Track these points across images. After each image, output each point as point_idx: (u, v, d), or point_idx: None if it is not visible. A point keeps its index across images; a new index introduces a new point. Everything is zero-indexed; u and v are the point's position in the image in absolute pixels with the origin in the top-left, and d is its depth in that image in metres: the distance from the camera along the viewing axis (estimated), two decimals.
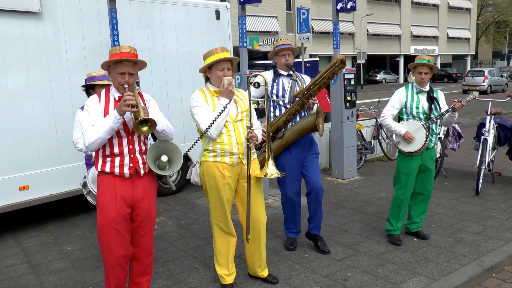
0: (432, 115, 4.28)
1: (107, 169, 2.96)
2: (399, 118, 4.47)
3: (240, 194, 3.48)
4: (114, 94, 3.01)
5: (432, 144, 4.35)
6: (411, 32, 44.82)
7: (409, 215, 4.61)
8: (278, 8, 34.10)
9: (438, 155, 6.73)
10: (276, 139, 4.19)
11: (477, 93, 4.47)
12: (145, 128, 2.83)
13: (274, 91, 4.27)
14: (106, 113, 2.92)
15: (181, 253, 4.42)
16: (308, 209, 4.44)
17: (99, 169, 3.00)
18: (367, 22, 40.01)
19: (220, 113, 3.25)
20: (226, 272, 3.57)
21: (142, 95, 3.13)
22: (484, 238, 4.56)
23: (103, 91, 3.04)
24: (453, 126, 7.21)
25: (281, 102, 4.26)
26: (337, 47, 7.18)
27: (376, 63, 44.55)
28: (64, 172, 5.26)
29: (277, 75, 4.31)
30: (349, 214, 5.44)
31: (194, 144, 3.52)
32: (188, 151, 3.62)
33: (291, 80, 4.27)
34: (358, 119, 8.51)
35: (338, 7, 6.94)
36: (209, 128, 3.25)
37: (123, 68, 2.89)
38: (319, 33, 35.87)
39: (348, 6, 6.80)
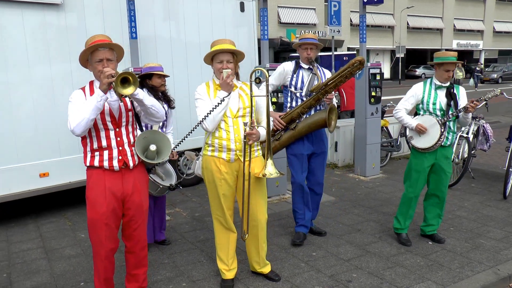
0: (449, 112, 4.10)
1: (96, 163, 2.93)
2: (415, 114, 4.33)
3: (240, 191, 3.43)
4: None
5: (448, 143, 4.17)
6: (454, 26, 43.14)
7: (425, 217, 4.45)
8: (316, 0, 33.64)
9: (465, 155, 6.46)
10: (288, 130, 4.27)
11: (499, 90, 4.25)
12: (128, 89, 2.72)
13: (293, 83, 4.34)
14: None
15: (189, 245, 4.44)
16: None
17: (88, 164, 2.97)
18: (408, 15, 38.84)
19: (216, 106, 3.20)
20: (226, 267, 3.55)
21: None
22: (505, 245, 4.33)
23: (87, 86, 2.98)
24: (483, 126, 6.90)
25: (298, 94, 4.32)
26: (363, 40, 6.98)
27: (416, 57, 43.27)
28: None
29: (298, 67, 4.36)
30: (366, 213, 5.30)
31: (185, 138, 3.54)
32: (178, 145, 3.67)
33: (311, 74, 4.32)
34: (385, 116, 8.30)
35: None
36: (203, 120, 3.22)
37: (99, 55, 2.84)
38: (357, 26, 35.12)
39: None
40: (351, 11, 34.50)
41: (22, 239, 4.78)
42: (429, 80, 4.24)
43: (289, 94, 4.39)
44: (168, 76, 4.51)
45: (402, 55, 33.67)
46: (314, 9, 34.05)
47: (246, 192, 3.36)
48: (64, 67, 5.21)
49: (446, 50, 41.00)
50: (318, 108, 4.33)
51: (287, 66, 4.40)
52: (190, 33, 6.31)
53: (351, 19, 35.07)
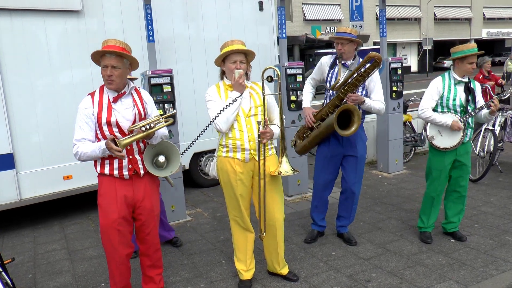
0: (469, 108, 3.99)
1: (107, 171, 2.96)
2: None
3: (256, 190, 3.42)
4: (109, 93, 2.97)
5: (467, 139, 4.06)
6: (484, 15, 41.89)
7: (446, 214, 4.34)
8: None
9: (491, 148, 6.27)
10: (315, 129, 4.15)
11: None
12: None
13: (328, 79, 4.21)
14: (99, 117, 2.91)
15: (209, 246, 4.47)
16: (338, 207, 4.44)
17: (98, 171, 3.00)
18: (435, 6, 37.97)
19: (228, 105, 3.20)
20: (244, 267, 3.56)
21: (140, 94, 3.09)
22: None
23: (97, 91, 2.99)
24: (511, 117, 6.68)
25: (330, 92, 4.17)
26: (383, 35, 6.85)
27: (444, 49, 42.25)
28: None
29: (335, 62, 4.21)
30: (387, 211, 5.22)
31: (197, 139, 3.55)
32: (184, 152, 3.68)
33: (347, 70, 4.10)
34: (408, 110, 8.14)
35: None
36: (215, 121, 3.21)
37: (105, 61, 2.86)
38: None
39: None
40: (376, 5, 33.97)
41: (48, 240, 4.92)
42: (446, 74, 4.11)
43: (326, 91, 4.27)
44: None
45: (430, 47, 32.99)
46: (339, 4, 33.71)
47: (262, 191, 3.35)
48: (85, 72, 5.33)
49: (469, 41, 39.85)
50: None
51: (325, 60, 4.25)
52: (209, 33, 6.33)
53: (376, 14, 34.52)
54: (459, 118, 3.97)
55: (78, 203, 6.16)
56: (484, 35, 42.27)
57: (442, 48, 41.52)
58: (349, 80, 3.92)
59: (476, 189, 5.84)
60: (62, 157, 5.22)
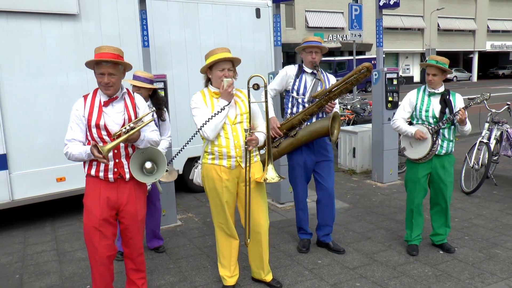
0: (444, 119, 4.00)
1: (93, 172, 3.00)
2: (410, 123, 4.22)
3: (241, 197, 3.43)
4: (101, 97, 3.00)
5: (443, 151, 4.03)
6: (488, 27, 41.91)
7: (432, 226, 4.34)
8: (344, 4, 33.36)
9: (486, 161, 6.26)
10: (288, 137, 4.16)
11: (488, 94, 4.10)
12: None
13: (296, 87, 4.20)
14: (89, 119, 2.95)
15: (196, 251, 4.47)
16: (317, 216, 4.42)
17: (86, 172, 3.05)
18: (438, 17, 38.03)
19: (217, 113, 3.21)
20: (228, 274, 3.56)
21: (133, 99, 3.10)
22: None
23: (91, 94, 3.03)
24: (507, 131, 6.67)
25: (300, 100, 4.18)
26: (379, 45, 6.89)
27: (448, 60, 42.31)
28: None
29: (301, 71, 4.22)
30: (378, 221, 5.21)
31: (184, 146, 3.55)
32: (177, 155, 3.68)
33: (314, 79, 4.17)
34: None
35: (381, 3, 6.66)
36: (202, 127, 3.22)
37: (102, 69, 2.89)
38: (385, 29, 34.62)
39: (391, 2, 6.49)
40: None
41: (38, 241, 4.93)
42: (422, 86, 4.16)
43: (290, 100, 4.24)
44: (152, 88, 4.23)
45: None
46: (342, 12, 33.78)
47: (248, 197, 3.35)
48: (80, 75, 5.37)
49: (473, 53, 39.79)
50: (320, 115, 4.17)
51: (290, 70, 4.25)
52: (205, 39, 6.37)
53: None
54: (430, 128, 3.97)
55: (71, 205, 6.17)
56: (488, 47, 42.26)
57: None
58: (336, 88, 3.97)
59: (470, 201, 5.83)
60: (56, 159, 5.23)
